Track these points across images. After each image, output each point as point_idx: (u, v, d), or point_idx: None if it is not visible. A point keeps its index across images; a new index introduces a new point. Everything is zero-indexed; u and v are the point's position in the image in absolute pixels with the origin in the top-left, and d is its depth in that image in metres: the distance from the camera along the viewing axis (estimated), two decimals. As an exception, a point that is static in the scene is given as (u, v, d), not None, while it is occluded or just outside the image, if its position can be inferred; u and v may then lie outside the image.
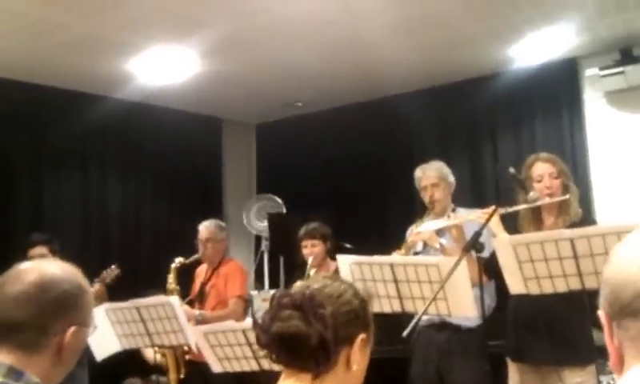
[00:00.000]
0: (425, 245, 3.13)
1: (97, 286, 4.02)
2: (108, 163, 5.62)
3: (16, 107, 4.92)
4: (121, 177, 5.69)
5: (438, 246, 3.02)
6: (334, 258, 3.69)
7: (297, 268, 3.66)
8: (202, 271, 4.11)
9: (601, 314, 0.83)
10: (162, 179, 5.91)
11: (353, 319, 1.27)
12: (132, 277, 4.61)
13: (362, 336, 1.28)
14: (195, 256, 4.00)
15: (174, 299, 3.38)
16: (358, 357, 1.27)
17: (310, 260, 3.55)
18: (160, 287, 4.14)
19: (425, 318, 2.98)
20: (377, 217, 5.83)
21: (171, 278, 3.99)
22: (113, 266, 4.14)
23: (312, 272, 3.49)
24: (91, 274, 4.13)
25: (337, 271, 3.59)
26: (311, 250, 3.60)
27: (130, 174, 5.73)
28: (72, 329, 1.25)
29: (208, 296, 3.95)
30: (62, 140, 5.24)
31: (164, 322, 3.25)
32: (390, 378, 4.06)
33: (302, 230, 3.66)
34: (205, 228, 4.01)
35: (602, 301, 0.82)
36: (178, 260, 4.01)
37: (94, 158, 5.53)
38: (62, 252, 4.06)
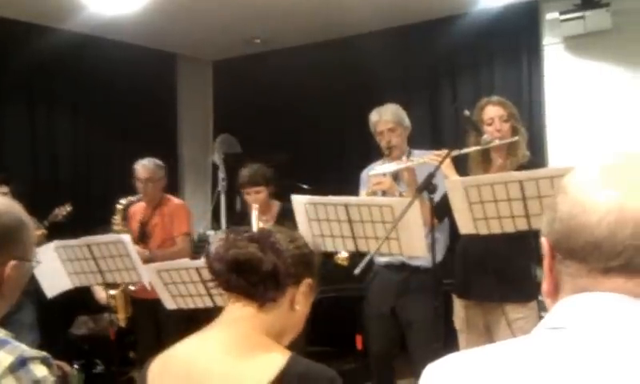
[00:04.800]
0: (384, 193, 3.15)
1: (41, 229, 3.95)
2: (57, 99, 5.37)
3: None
4: (70, 114, 5.47)
5: (397, 194, 3.05)
6: (277, 198, 3.62)
7: (238, 215, 3.53)
8: (137, 211, 3.99)
9: (544, 240, 0.78)
10: (113, 116, 5.69)
11: (302, 263, 1.34)
12: (83, 215, 4.52)
13: (308, 280, 1.35)
14: (138, 195, 3.91)
15: (126, 237, 3.34)
16: (301, 299, 1.34)
17: (254, 207, 3.41)
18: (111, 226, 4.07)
19: (384, 259, 3.04)
20: (335, 158, 5.81)
21: (117, 219, 3.88)
22: (66, 204, 4.05)
23: (255, 217, 3.36)
24: (40, 212, 4.04)
25: (280, 211, 3.57)
26: (255, 196, 3.45)
27: (80, 111, 5.50)
28: (12, 263, 1.22)
29: (152, 235, 3.89)
30: (9, 74, 4.97)
31: (116, 260, 3.22)
32: (343, 315, 4.17)
33: (245, 179, 3.47)
34: (143, 167, 3.87)
35: (549, 229, 0.77)
36: (123, 200, 3.89)
37: (42, 93, 5.27)
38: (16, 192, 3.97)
